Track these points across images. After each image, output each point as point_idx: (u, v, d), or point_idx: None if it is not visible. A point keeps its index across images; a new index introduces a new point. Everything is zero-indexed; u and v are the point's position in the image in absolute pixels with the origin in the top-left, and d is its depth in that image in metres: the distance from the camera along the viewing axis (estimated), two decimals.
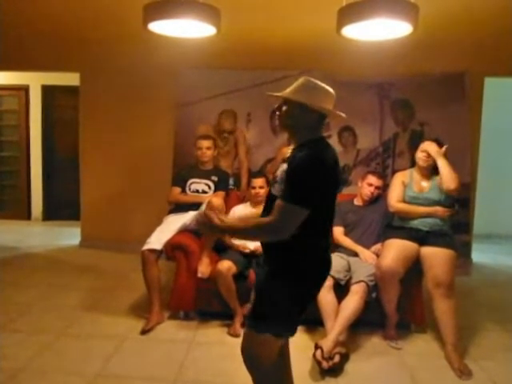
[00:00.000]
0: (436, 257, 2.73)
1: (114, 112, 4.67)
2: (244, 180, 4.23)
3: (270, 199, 1.76)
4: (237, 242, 3.08)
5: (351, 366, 2.52)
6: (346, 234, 3.11)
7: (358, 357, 2.62)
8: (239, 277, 2.89)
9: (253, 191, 3.18)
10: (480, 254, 4.66)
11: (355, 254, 2.98)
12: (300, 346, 2.63)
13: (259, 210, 2.13)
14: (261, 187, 3.16)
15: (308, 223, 1.58)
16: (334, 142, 4.13)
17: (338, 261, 2.92)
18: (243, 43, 4.13)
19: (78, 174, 4.86)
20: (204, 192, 3.37)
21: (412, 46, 3.74)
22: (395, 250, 2.77)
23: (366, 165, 4.23)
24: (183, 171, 3.55)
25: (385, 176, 3.87)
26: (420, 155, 2.94)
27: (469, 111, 4.17)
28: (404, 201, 2.95)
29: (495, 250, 5.11)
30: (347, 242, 3.05)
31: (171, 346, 2.71)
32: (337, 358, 2.44)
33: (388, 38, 2.75)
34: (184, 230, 3.16)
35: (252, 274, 2.92)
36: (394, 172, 3.91)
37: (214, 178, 3.41)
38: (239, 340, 1.77)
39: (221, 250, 3.10)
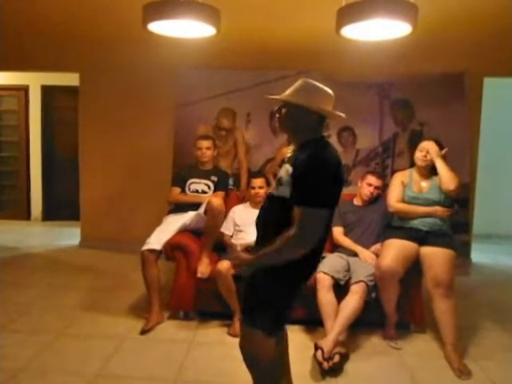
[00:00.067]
0: (436, 257, 2.73)
1: (113, 112, 4.67)
2: (243, 180, 4.23)
3: (270, 200, 1.76)
4: (236, 241, 3.08)
5: (351, 365, 2.52)
6: (346, 233, 3.11)
7: (357, 357, 2.62)
8: (239, 277, 2.89)
9: (252, 191, 3.19)
10: (479, 254, 4.66)
11: (355, 254, 2.98)
12: (300, 346, 2.64)
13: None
14: (260, 187, 3.16)
15: None
16: (333, 142, 4.13)
17: (337, 261, 2.92)
18: (243, 43, 4.13)
19: (77, 174, 4.86)
20: (204, 192, 3.37)
21: (412, 46, 3.75)
22: (395, 249, 2.77)
23: (365, 165, 4.23)
24: (183, 171, 3.55)
25: (384, 176, 3.87)
26: (418, 155, 2.95)
27: (468, 111, 4.17)
28: (403, 201, 2.95)
29: (495, 250, 5.11)
30: (347, 242, 3.05)
31: (171, 346, 2.71)
32: (337, 358, 2.44)
33: (387, 38, 2.75)
34: (184, 230, 3.16)
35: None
36: (393, 172, 3.91)
37: (214, 178, 3.41)
38: (239, 338, 1.78)
39: (221, 250, 3.10)
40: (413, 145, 3.10)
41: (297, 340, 2.72)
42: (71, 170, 5.41)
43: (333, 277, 2.77)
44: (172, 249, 3.03)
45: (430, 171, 2.94)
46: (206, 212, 3.07)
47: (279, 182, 1.69)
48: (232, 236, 3.20)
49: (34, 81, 5.96)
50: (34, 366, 2.43)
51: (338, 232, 3.11)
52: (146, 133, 4.61)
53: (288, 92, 1.73)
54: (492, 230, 5.53)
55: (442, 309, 2.64)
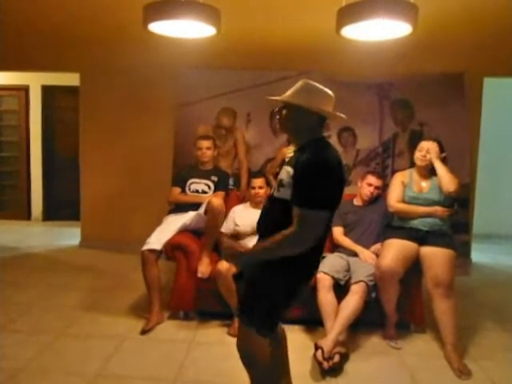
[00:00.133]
0: (436, 257, 2.73)
1: (114, 112, 4.67)
2: (244, 180, 4.23)
3: (272, 202, 1.76)
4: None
5: (351, 365, 2.52)
6: (346, 234, 3.12)
7: (357, 357, 2.62)
8: (239, 277, 2.89)
9: (252, 191, 3.19)
10: (479, 254, 4.67)
11: (355, 254, 2.98)
12: (300, 346, 2.64)
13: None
14: (260, 187, 3.16)
15: None
16: (333, 142, 4.11)
17: (337, 261, 2.92)
18: (243, 43, 4.14)
19: (77, 174, 4.86)
20: (204, 192, 3.37)
21: (411, 46, 3.75)
22: (395, 249, 2.77)
23: (365, 165, 4.24)
24: (183, 171, 3.55)
25: (384, 176, 3.87)
26: (418, 154, 2.95)
27: (468, 111, 4.17)
28: (403, 201, 2.95)
29: (495, 250, 5.11)
30: (347, 242, 3.05)
31: (171, 346, 2.71)
32: (336, 358, 2.44)
33: (387, 38, 2.76)
34: (184, 230, 3.16)
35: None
36: (393, 172, 3.92)
37: (214, 178, 3.41)
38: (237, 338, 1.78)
39: (221, 249, 3.10)
40: (413, 145, 3.10)
41: (297, 340, 2.72)
42: (71, 170, 5.41)
43: (333, 277, 2.77)
44: (172, 249, 3.03)
45: (430, 171, 2.94)
46: (206, 212, 3.07)
47: (280, 184, 1.69)
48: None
49: (34, 81, 5.96)
50: (34, 366, 2.43)
51: (338, 232, 3.11)
52: (146, 133, 4.62)
53: (289, 93, 1.73)
54: (492, 230, 5.53)
55: (442, 309, 2.64)
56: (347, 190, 3.96)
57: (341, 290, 2.77)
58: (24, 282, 3.77)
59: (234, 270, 2.85)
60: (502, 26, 3.79)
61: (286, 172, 1.67)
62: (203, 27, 2.67)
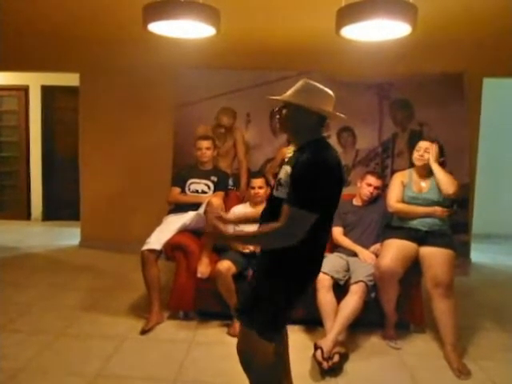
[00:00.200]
0: (435, 257, 2.73)
1: (113, 112, 4.68)
2: (243, 180, 4.22)
3: (271, 201, 1.76)
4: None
5: (351, 365, 2.52)
6: (345, 234, 3.12)
7: (357, 356, 2.63)
8: (239, 277, 2.89)
9: (252, 191, 3.19)
10: (479, 254, 4.67)
11: (354, 254, 2.98)
12: (300, 346, 2.64)
13: (259, 208, 2.14)
14: (260, 187, 3.16)
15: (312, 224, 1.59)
16: (333, 142, 4.13)
17: (337, 261, 2.93)
18: (243, 43, 4.14)
19: (77, 175, 4.87)
20: (203, 192, 3.37)
21: (411, 47, 3.75)
22: (394, 250, 2.78)
23: (365, 165, 4.24)
24: (183, 171, 3.55)
25: (384, 176, 3.88)
26: (415, 154, 2.96)
27: (468, 111, 4.18)
28: (403, 201, 2.95)
29: (494, 250, 5.12)
30: (346, 242, 3.06)
31: (171, 346, 2.71)
32: (336, 358, 2.44)
33: (387, 38, 2.76)
34: (183, 230, 3.17)
35: (251, 273, 2.92)
36: (393, 172, 3.92)
37: (214, 179, 3.41)
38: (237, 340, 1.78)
39: (220, 250, 3.10)
40: (412, 145, 3.10)
41: (296, 340, 2.72)
42: (71, 170, 5.42)
43: (332, 277, 2.77)
44: (172, 249, 3.04)
45: (429, 171, 2.94)
46: (205, 212, 3.07)
47: (279, 183, 1.70)
48: None
49: (34, 81, 5.96)
50: (34, 366, 2.43)
51: (337, 232, 3.11)
52: (145, 133, 4.62)
53: (289, 93, 1.74)
54: (491, 230, 5.54)
55: (441, 309, 2.64)
56: (347, 190, 3.98)
57: (340, 290, 2.77)
58: (24, 282, 3.77)
59: (233, 270, 2.86)
60: (502, 26, 3.79)
61: (285, 172, 1.67)
62: (203, 27, 2.67)
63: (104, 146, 4.74)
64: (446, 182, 2.82)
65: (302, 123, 1.70)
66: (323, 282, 2.73)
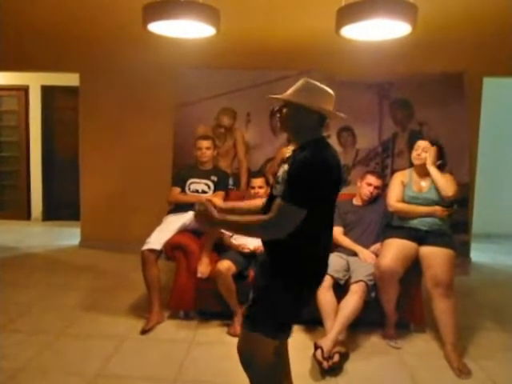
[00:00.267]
0: (435, 256, 2.73)
1: (113, 112, 4.67)
2: (243, 180, 4.23)
3: (270, 200, 1.76)
4: (236, 241, 3.09)
5: (351, 365, 2.52)
6: (346, 233, 3.12)
7: (357, 356, 2.63)
8: (239, 277, 2.90)
9: (252, 191, 3.19)
10: (479, 254, 4.67)
11: (354, 254, 2.98)
12: (300, 346, 2.64)
13: (252, 201, 2.15)
14: (260, 187, 3.16)
15: (310, 224, 1.58)
16: (333, 142, 4.13)
17: (337, 260, 2.93)
18: (243, 43, 4.14)
19: (77, 175, 4.86)
20: (204, 192, 3.37)
21: (411, 46, 3.75)
22: (394, 249, 2.78)
23: (365, 165, 4.24)
24: (183, 171, 3.55)
25: (384, 176, 3.88)
26: (414, 154, 2.97)
27: (468, 111, 4.17)
28: (403, 200, 2.95)
29: (494, 250, 5.12)
30: (346, 241, 3.06)
31: (171, 346, 2.71)
32: (336, 358, 2.44)
33: (387, 38, 2.76)
34: (184, 230, 3.17)
35: (252, 273, 2.92)
36: (393, 172, 3.92)
37: (214, 178, 3.41)
38: (237, 340, 1.78)
39: (220, 249, 3.10)
40: (412, 145, 3.10)
41: (296, 339, 2.72)
42: (71, 170, 5.41)
43: (332, 276, 2.77)
44: (172, 249, 3.04)
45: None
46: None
47: (277, 181, 1.70)
48: (232, 236, 3.20)
49: (34, 81, 5.96)
50: (34, 366, 2.43)
51: (337, 232, 3.10)
52: (145, 133, 4.62)
53: (289, 92, 1.73)
54: (491, 230, 5.54)
55: (441, 308, 2.64)
56: (347, 190, 4.00)
57: (340, 289, 2.77)
58: (24, 282, 3.77)
59: (233, 269, 2.86)
60: (502, 26, 3.79)
61: (283, 169, 1.68)
62: (203, 27, 2.67)
63: (104, 145, 4.74)
64: (443, 185, 2.83)
65: (302, 122, 1.70)
66: (323, 281, 2.73)
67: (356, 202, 3.20)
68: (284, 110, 1.73)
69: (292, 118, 1.71)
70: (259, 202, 1.97)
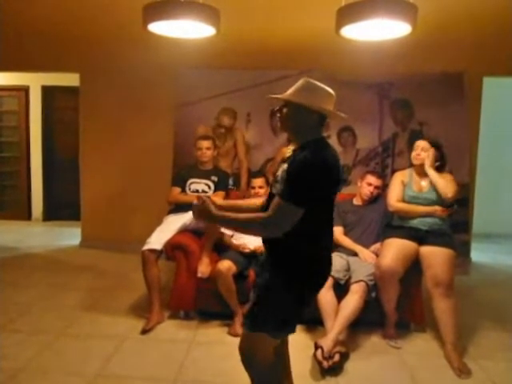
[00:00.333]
0: (435, 256, 2.73)
1: (113, 112, 4.68)
2: (243, 180, 4.23)
3: (270, 199, 1.76)
4: (237, 241, 3.09)
5: (351, 365, 2.52)
6: (346, 233, 3.12)
7: (357, 356, 2.63)
8: (239, 277, 2.90)
9: (252, 191, 3.19)
10: (479, 254, 4.67)
11: (355, 254, 2.98)
12: (300, 346, 2.64)
13: (251, 200, 2.16)
14: (260, 187, 3.17)
15: (310, 223, 1.59)
16: (333, 142, 4.14)
17: (337, 260, 2.92)
18: (243, 43, 4.14)
19: (77, 175, 4.87)
20: (204, 192, 3.37)
21: (411, 46, 3.75)
22: (395, 249, 2.78)
23: (365, 164, 4.24)
24: (183, 171, 3.55)
25: (384, 176, 3.88)
26: (413, 153, 2.97)
27: (468, 111, 4.17)
28: (403, 200, 2.95)
29: (494, 250, 5.12)
30: (347, 241, 3.06)
31: (171, 346, 2.71)
32: (337, 357, 2.44)
33: (387, 38, 2.76)
34: (184, 230, 3.17)
35: (252, 273, 2.92)
36: (393, 172, 3.92)
37: (214, 178, 3.41)
38: (239, 340, 1.78)
39: (221, 249, 3.10)
40: (412, 144, 3.10)
41: (297, 339, 2.71)
42: (71, 170, 5.42)
43: (333, 276, 2.77)
44: (172, 249, 3.04)
45: None
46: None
47: (276, 180, 1.71)
48: (232, 236, 3.20)
49: (34, 81, 5.96)
50: (34, 366, 2.43)
51: (337, 232, 3.10)
52: (146, 133, 4.62)
53: (290, 91, 1.73)
54: (492, 230, 5.54)
55: (441, 308, 2.64)
56: (347, 190, 4.00)
57: (341, 289, 2.77)
58: (24, 282, 3.77)
59: (234, 269, 2.86)
60: (502, 26, 3.79)
61: (282, 169, 1.68)
62: (203, 27, 2.67)
63: (104, 145, 4.74)
64: (442, 186, 2.83)
65: (302, 122, 1.70)
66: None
67: (356, 201, 3.20)
68: (284, 110, 1.73)
69: (292, 118, 1.71)
70: (258, 200, 1.97)
